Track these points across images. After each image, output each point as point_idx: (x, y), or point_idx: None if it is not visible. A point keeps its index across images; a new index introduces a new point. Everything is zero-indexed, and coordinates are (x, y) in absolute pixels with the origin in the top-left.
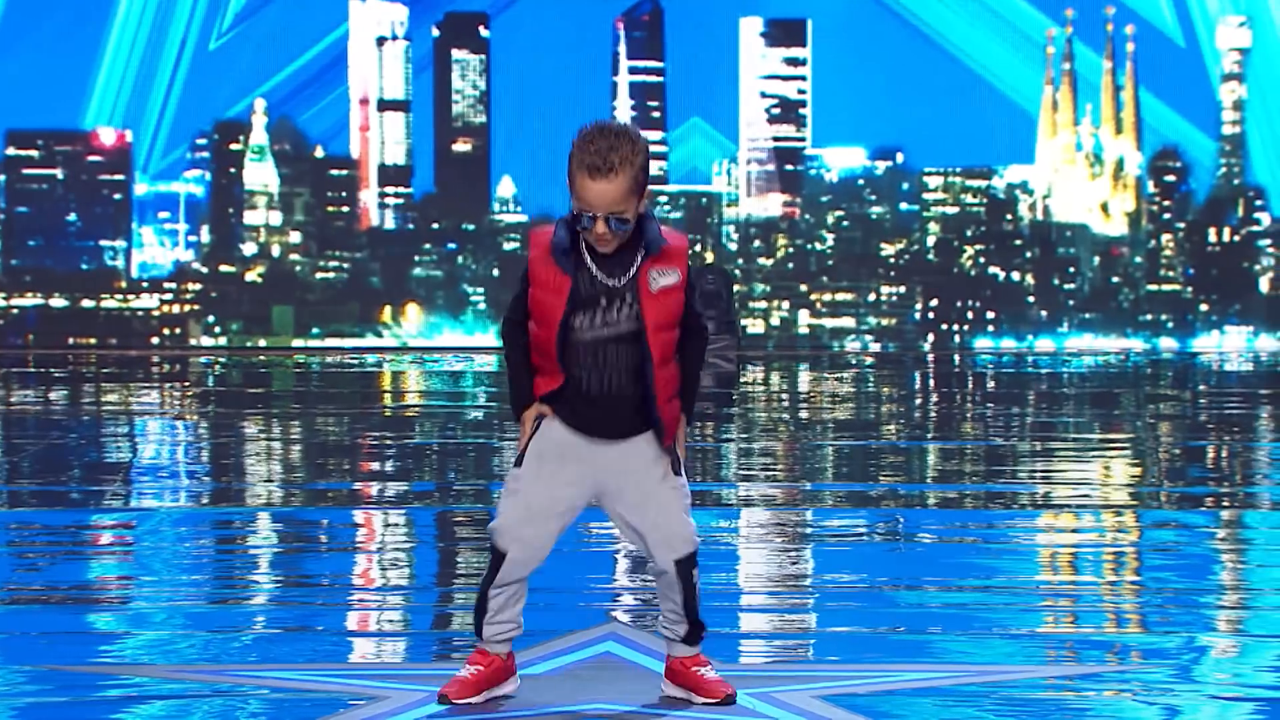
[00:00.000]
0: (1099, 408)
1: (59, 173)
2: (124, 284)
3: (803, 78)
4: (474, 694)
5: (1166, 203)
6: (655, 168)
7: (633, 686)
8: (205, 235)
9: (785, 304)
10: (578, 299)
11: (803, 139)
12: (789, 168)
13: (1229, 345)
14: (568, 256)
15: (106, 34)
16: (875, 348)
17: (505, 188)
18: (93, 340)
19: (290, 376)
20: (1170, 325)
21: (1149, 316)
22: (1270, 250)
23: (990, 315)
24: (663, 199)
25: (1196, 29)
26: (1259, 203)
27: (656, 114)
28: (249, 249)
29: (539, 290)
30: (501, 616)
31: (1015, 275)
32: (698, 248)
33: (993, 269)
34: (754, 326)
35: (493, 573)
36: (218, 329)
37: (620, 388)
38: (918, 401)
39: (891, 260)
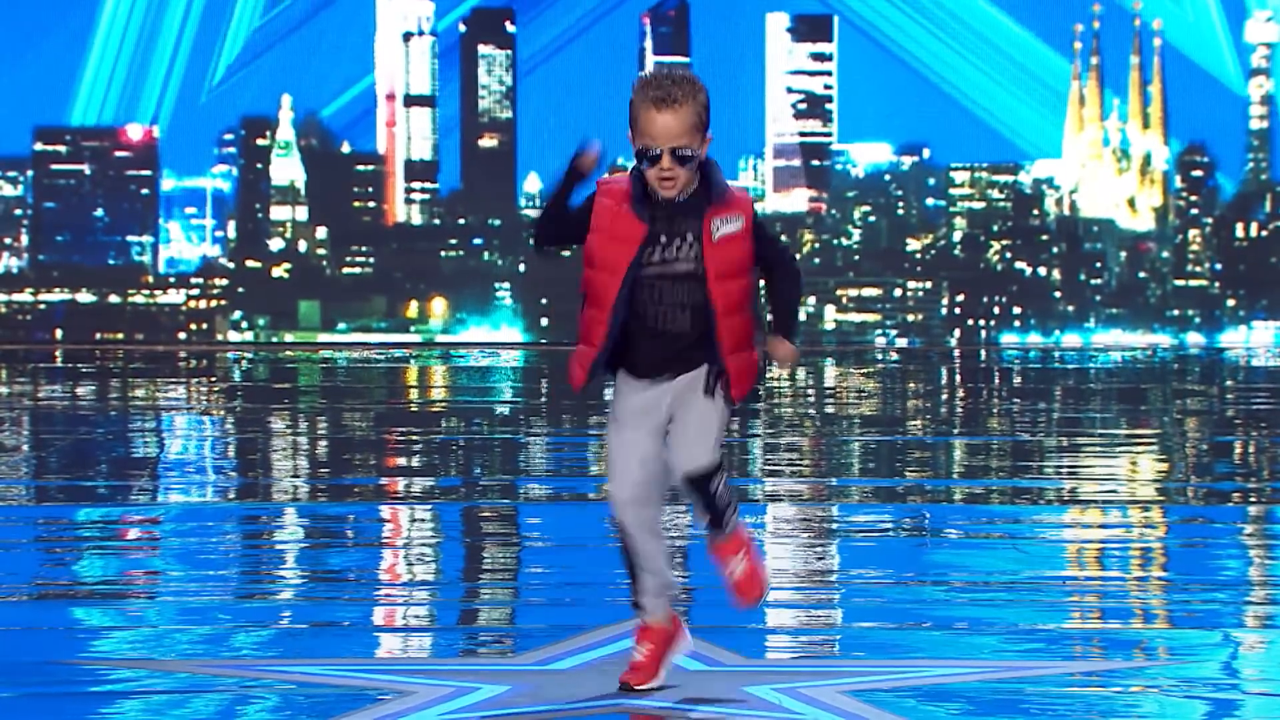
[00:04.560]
0: (1126, 403)
1: (86, 168)
2: (151, 279)
3: (829, 73)
4: (654, 675)
5: (1194, 198)
6: None
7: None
8: (232, 230)
9: (811, 299)
10: (649, 245)
11: (829, 134)
12: (815, 163)
13: (1256, 340)
14: (644, 205)
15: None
16: (901, 343)
17: (531, 183)
18: (120, 335)
19: (316, 371)
20: (1197, 320)
21: (1176, 312)
22: None
23: (1017, 310)
24: None
25: (1224, 24)
26: None
27: None
28: (275, 244)
29: (602, 236)
30: (653, 585)
31: (1042, 270)
32: None
33: (1019, 264)
34: None
35: (624, 543)
36: (244, 324)
37: (678, 324)
38: (944, 397)
39: (918, 256)
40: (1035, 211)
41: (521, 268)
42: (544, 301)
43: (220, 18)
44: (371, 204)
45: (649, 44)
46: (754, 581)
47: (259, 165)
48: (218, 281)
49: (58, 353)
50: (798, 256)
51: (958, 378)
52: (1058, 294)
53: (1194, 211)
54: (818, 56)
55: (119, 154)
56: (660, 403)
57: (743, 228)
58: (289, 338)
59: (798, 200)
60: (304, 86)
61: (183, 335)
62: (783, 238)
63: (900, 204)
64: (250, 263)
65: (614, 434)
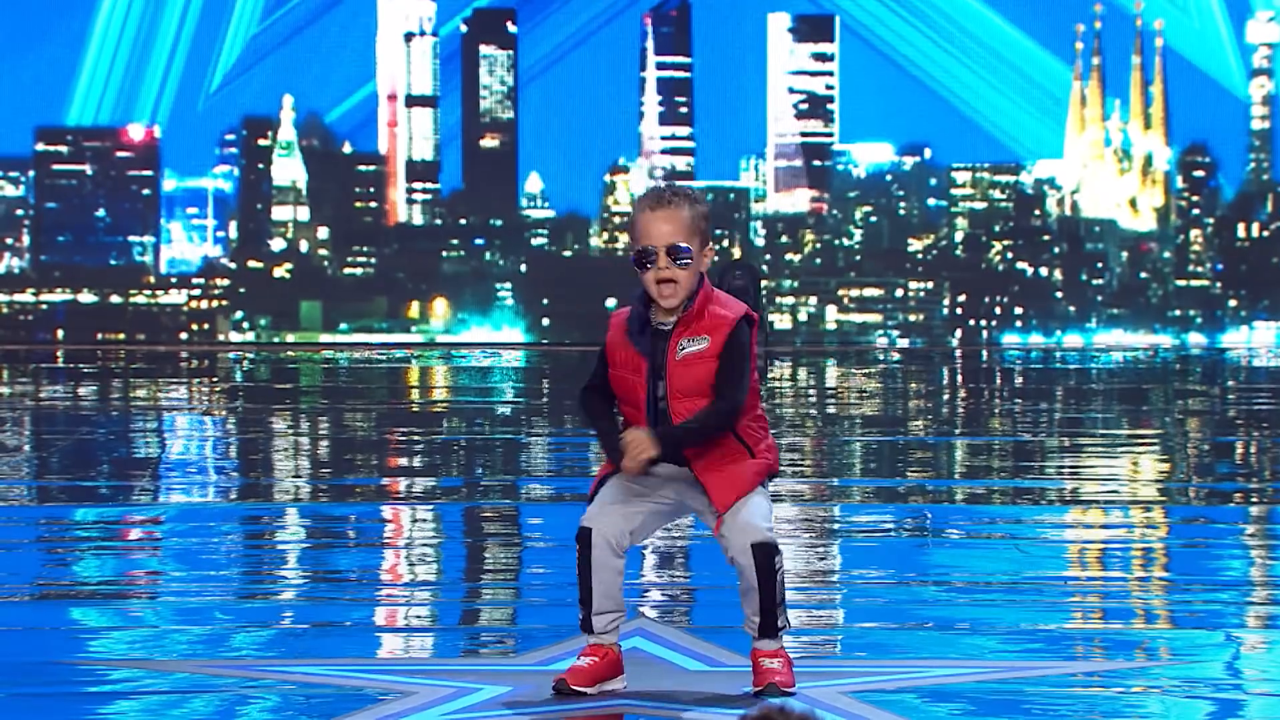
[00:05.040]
0: (1127, 403)
1: (88, 169)
2: (152, 280)
3: (830, 73)
4: (589, 684)
5: (1195, 198)
6: (683, 163)
7: (660, 680)
8: (233, 231)
9: (813, 300)
10: (655, 373)
11: (830, 134)
12: (816, 163)
13: (1258, 340)
14: (643, 335)
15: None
16: (903, 343)
17: (533, 183)
18: (121, 336)
19: (318, 372)
20: (1199, 321)
21: (1177, 312)
22: None
23: (1018, 311)
24: None
25: (1226, 24)
26: None
27: (684, 109)
28: (277, 244)
29: (619, 370)
30: (605, 605)
31: (1043, 271)
32: (725, 243)
33: (1021, 264)
34: (781, 322)
35: (584, 558)
36: (246, 324)
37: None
38: (945, 397)
39: (919, 256)
40: (1037, 212)
41: (523, 268)
42: (545, 302)
43: (220, 19)
44: (373, 204)
45: (650, 44)
46: (780, 670)
47: (260, 165)
48: (219, 282)
49: (59, 353)
50: (799, 257)
51: (959, 378)
52: (1059, 294)
53: (1195, 212)
54: (819, 57)
55: (120, 154)
56: (667, 483)
57: (708, 348)
58: (290, 338)
59: (799, 200)
60: (305, 87)
61: (184, 335)
62: (757, 354)
63: (902, 204)
64: (252, 263)
65: (619, 483)
